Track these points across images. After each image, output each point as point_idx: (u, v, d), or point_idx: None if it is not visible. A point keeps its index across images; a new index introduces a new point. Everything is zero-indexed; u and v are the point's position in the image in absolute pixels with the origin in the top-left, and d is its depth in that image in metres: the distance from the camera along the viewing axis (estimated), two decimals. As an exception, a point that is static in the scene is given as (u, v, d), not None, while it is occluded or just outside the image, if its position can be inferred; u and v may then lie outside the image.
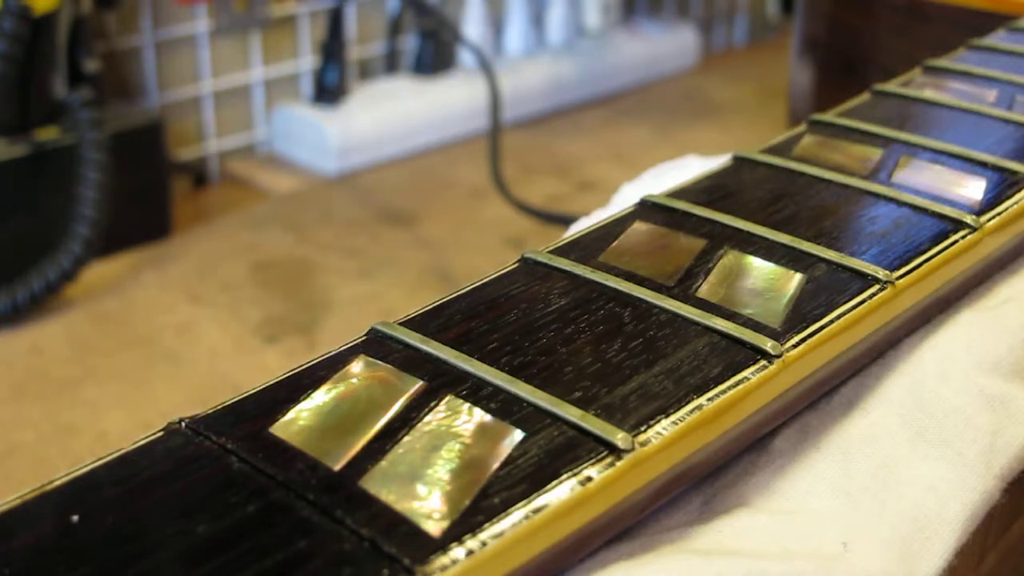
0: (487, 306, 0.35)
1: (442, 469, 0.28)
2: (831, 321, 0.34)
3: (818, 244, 0.38)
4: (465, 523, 0.26)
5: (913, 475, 0.33)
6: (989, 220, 0.40)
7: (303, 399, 0.30)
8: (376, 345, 0.33)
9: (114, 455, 0.28)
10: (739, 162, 0.45)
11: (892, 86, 0.53)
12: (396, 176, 1.00)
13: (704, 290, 0.35)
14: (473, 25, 1.15)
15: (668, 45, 1.30)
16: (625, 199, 0.51)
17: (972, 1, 0.76)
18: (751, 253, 0.38)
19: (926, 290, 0.38)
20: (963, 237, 0.39)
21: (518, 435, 0.29)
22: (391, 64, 1.13)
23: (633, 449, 0.28)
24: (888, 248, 0.38)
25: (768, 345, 0.32)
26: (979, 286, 0.41)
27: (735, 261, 0.37)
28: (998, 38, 0.60)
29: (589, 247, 0.38)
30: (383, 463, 0.28)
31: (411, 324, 0.33)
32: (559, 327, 0.33)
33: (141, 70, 0.96)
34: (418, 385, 0.31)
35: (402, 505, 0.26)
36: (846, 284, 0.36)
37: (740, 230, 0.39)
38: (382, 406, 0.30)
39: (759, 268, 0.37)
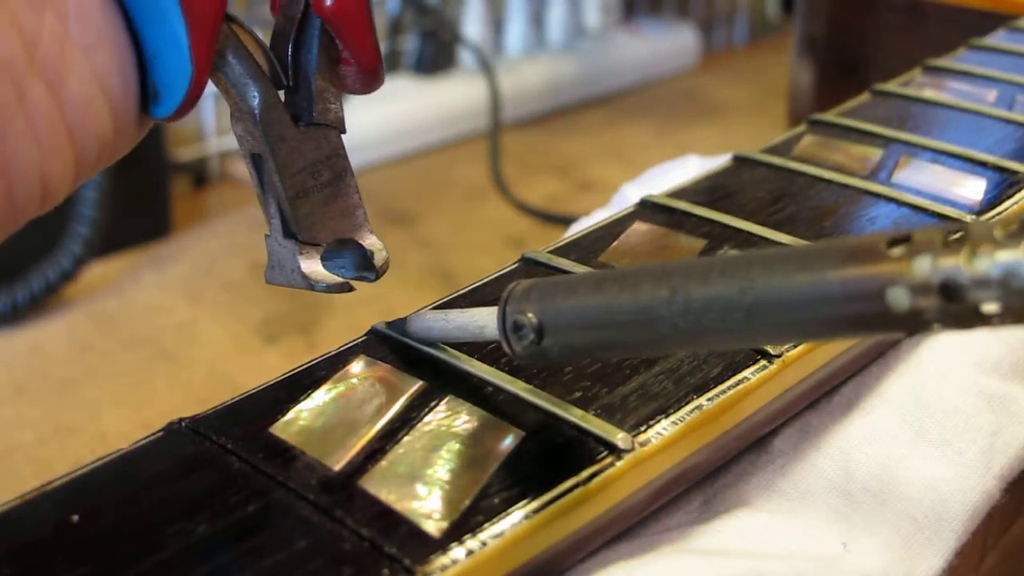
0: (487, 306, 0.35)
1: (442, 469, 0.28)
2: (831, 321, 0.34)
3: (818, 244, 0.38)
4: (465, 523, 0.26)
5: (913, 475, 0.33)
6: (989, 220, 0.40)
7: (303, 399, 0.30)
8: (376, 345, 0.33)
9: (114, 455, 0.28)
10: (739, 162, 0.45)
11: (892, 86, 0.53)
12: (396, 176, 1.00)
13: (704, 290, 0.35)
14: (473, 25, 1.15)
15: (668, 45, 1.30)
16: (625, 199, 0.51)
17: (972, 1, 0.76)
18: (751, 253, 0.37)
19: (926, 290, 0.37)
20: (954, 231, 0.39)
21: (518, 435, 0.29)
22: (391, 64, 1.13)
23: (633, 449, 0.28)
24: (888, 248, 0.38)
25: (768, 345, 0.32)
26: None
27: (735, 261, 0.37)
28: (998, 38, 0.60)
29: (589, 247, 0.38)
30: (383, 463, 0.28)
31: (411, 324, 0.33)
32: (559, 327, 0.33)
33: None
34: (418, 385, 0.31)
35: (402, 505, 0.26)
36: (846, 284, 0.36)
37: (740, 230, 0.39)
38: (382, 406, 0.30)
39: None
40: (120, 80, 0.29)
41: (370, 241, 0.33)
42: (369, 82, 0.33)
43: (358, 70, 0.32)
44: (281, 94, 0.32)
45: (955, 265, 0.21)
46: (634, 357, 0.31)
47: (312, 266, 0.32)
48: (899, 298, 0.21)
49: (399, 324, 0.33)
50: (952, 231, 0.22)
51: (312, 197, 0.32)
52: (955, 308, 0.21)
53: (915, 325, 0.22)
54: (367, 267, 0.33)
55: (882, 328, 0.22)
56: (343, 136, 0.33)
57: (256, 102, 0.31)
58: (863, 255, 0.22)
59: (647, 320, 0.25)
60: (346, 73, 0.33)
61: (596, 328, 0.26)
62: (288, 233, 0.32)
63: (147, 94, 0.30)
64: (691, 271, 0.25)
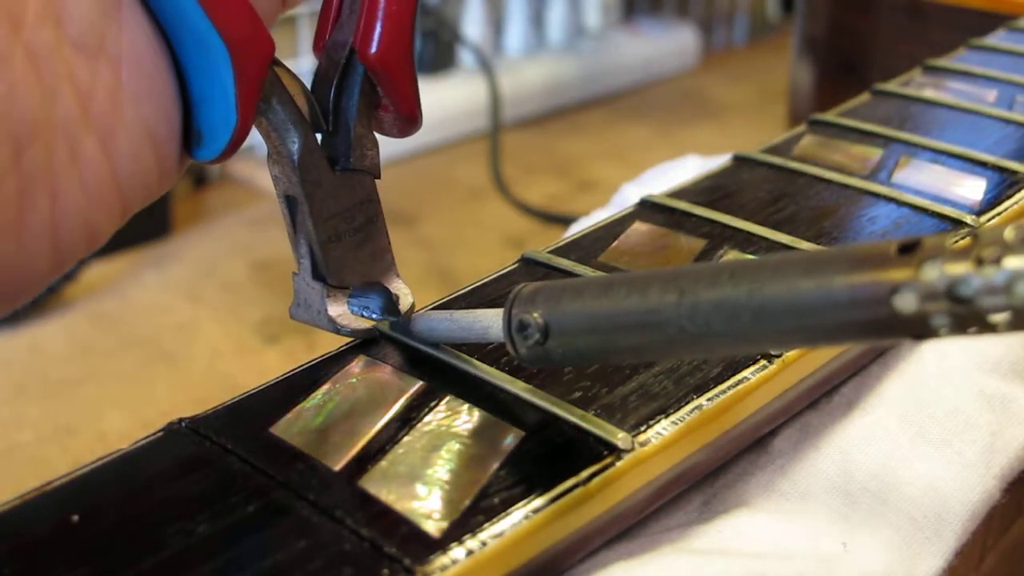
0: (487, 306, 0.35)
1: (442, 469, 0.28)
2: (831, 321, 0.34)
3: (818, 244, 0.38)
4: (465, 523, 0.26)
5: (913, 475, 0.33)
6: (989, 220, 0.40)
7: (303, 399, 0.30)
8: (376, 345, 0.33)
9: (114, 455, 0.28)
10: (739, 162, 0.45)
11: (892, 86, 0.53)
12: (396, 176, 1.00)
13: (704, 290, 0.35)
14: (473, 25, 1.15)
15: (668, 45, 1.30)
16: (625, 199, 0.51)
17: (972, 1, 0.76)
18: (751, 253, 0.38)
19: (926, 290, 0.37)
20: (963, 237, 0.39)
21: (518, 435, 0.29)
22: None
23: (633, 449, 0.28)
24: (888, 248, 0.38)
25: (768, 345, 0.32)
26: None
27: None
28: (998, 38, 0.60)
29: (589, 247, 0.38)
30: (383, 463, 0.28)
31: (411, 324, 0.33)
32: (559, 327, 0.33)
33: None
34: (418, 385, 0.31)
35: (402, 505, 0.26)
36: (846, 284, 0.36)
37: (740, 230, 0.39)
38: (382, 406, 0.30)
39: (759, 268, 0.37)
40: (167, 126, 0.29)
41: (396, 285, 0.34)
42: (407, 128, 0.33)
43: (397, 116, 0.32)
44: (318, 137, 0.32)
45: (964, 270, 0.21)
46: (639, 363, 0.31)
47: (339, 309, 0.33)
48: (907, 303, 0.22)
49: (403, 324, 0.33)
50: (962, 236, 0.22)
51: (344, 242, 0.33)
52: (963, 313, 0.21)
53: (923, 331, 0.22)
54: (392, 311, 0.33)
55: (889, 334, 0.22)
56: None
57: (295, 147, 0.31)
58: (872, 260, 0.22)
59: (654, 322, 0.25)
60: (384, 118, 0.33)
61: (602, 330, 0.26)
62: (317, 275, 0.32)
63: (190, 136, 0.30)
64: (700, 275, 0.25)
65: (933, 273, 0.21)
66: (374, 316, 0.33)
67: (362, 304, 0.33)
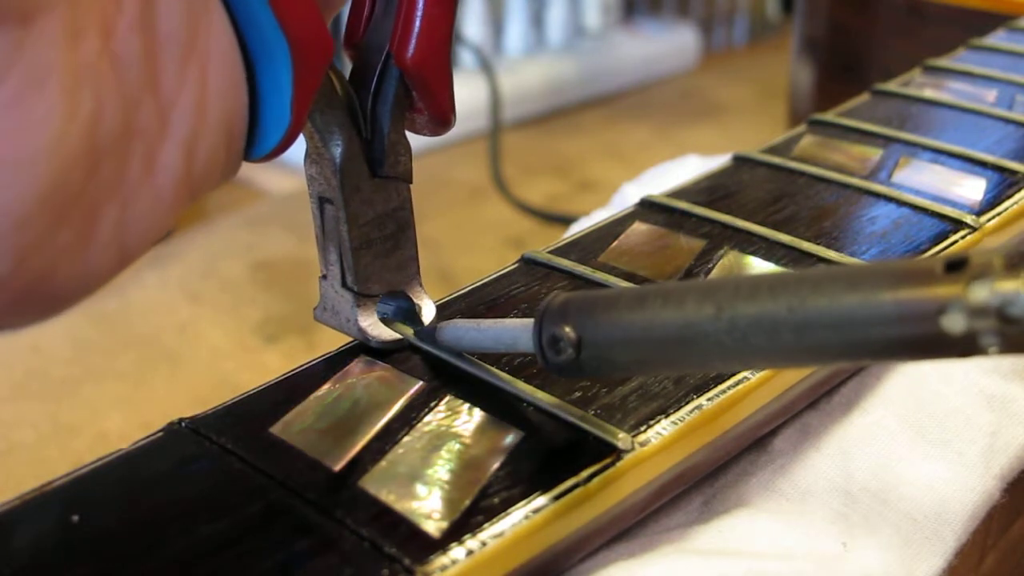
0: (487, 306, 0.35)
1: (442, 469, 0.28)
2: (831, 321, 0.34)
3: (818, 244, 0.38)
4: (465, 523, 0.26)
5: (913, 475, 0.33)
6: (989, 220, 0.40)
7: (303, 399, 0.30)
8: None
9: (114, 455, 0.28)
10: (739, 162, 0.45)
11: (892, 86, 0.53)
12: (396, 176, 0.99)
13: (704, 290, 0.35)
14: (473, 25, 1.15)
15: (668, 45, 1.30)
16: (625, 199, 0.51)
17: (972, 1, 0.76)
18: (751, 253, 0.38)
19: (926, 290, 0.37)
20: (963, 237, 0.39)
21: (518, 435, 0.29)
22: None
23: (633, 449, 0.28)
24: (888, 248, 0.38)
25: (768, 345, 0.32)
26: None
27: (735, 261, 0.37)
28: (998, 38, 0.60)
29: (589, 247, 0.38)
30: (383, 463, 0.28)
31: (411, 324, 0.33)
32: (559, 327, 0.33)
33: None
34: (418, 385, 0.31)
35: (402, 505, 0.26)
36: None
37: (740, 230, 0.39)
38: (382, 406, 0.30)
39: (759, 268, 0.37)
40: (241, 122, 0.28)
41: (419, 295, 0.34)
42: (439, 129, 0.32)
43: (430, 118, 0.32)
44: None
45: (1016, 289, 0.21)
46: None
47: (369, 320, 0.32)
48: (955, 322, 0.21)
49: (428, 332, 0.32)
50: (1012, 255, 0.21)
51: (373, 248, 0.32)
52: (1015, 333, 0.21)
53: (971, 349, 0.21)
54: (414, 322, 0.33)
55: (936, 351, 0.22)
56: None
57: (339, 151, 0.31)
58: (918, 276, 0.22)
59: (691, 336, 0.24)
60: (416, 119, 0.32)
61: (637, 344, 0.26)
62: (346, 283, 0.32)
63: None
64: (738, 288, 0.24)
65: (983, 292, 0.21)
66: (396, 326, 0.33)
67: (382, 311, 0.33)
